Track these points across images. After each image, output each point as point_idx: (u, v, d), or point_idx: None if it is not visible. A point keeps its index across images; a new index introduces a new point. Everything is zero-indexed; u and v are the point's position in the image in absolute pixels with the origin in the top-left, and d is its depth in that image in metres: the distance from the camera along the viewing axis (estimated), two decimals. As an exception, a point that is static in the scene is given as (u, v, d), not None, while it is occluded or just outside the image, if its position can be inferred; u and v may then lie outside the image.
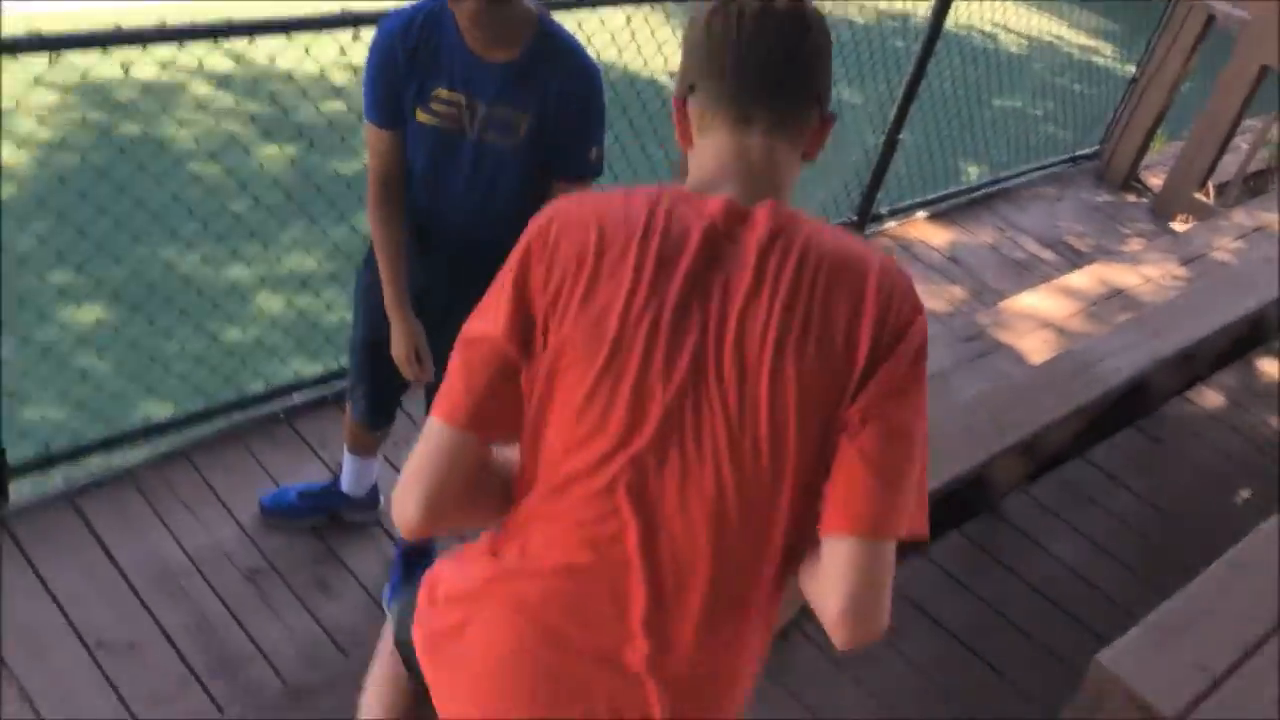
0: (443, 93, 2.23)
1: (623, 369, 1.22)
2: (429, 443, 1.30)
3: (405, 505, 1.29)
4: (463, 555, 1.42)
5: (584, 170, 2.33)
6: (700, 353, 1.22)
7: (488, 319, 1.29)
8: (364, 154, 2.47)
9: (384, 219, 2.39)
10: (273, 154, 5.29)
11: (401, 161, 2.35)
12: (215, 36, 2.68)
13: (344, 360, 3.16)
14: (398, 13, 2.26)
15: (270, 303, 4.56)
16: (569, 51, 2.24)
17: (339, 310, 4.11)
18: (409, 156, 2.35)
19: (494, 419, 1.29)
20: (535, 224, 1.31)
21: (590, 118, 2.29)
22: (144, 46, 2.63)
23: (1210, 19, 5.67)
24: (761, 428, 1.20)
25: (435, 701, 1.39)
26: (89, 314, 4.36)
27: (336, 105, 4.56)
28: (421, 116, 2.27)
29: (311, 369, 3.65)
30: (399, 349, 2.44)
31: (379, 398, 2.77)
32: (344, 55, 3.09)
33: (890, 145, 4.58)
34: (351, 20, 2.80)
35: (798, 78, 1.31)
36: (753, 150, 1.30)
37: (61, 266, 4.03)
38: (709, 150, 1.32)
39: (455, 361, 1.31)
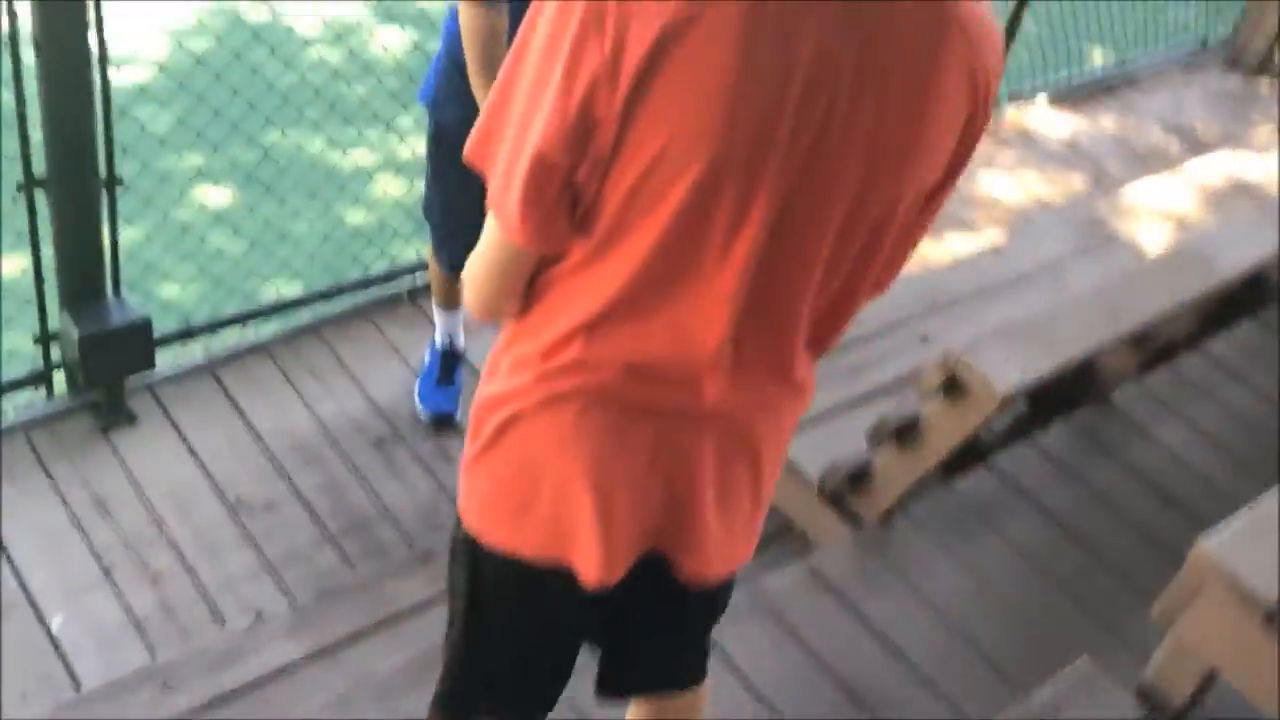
0: None
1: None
2: (490, 252, 1.26)
3: (471, 304, 1.33)
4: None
5: None
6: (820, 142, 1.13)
7: (536, 114, 1.12)
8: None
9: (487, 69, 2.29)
10: (393, 38, 5.38)
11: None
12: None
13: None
14: None
15: (393, 186, 4.68)
16: None
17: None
18: None
19: (555, 238, 1.20)
20: None
21: None
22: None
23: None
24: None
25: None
26: (223, 194, 4.54)
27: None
28: None
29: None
30: None
31: (466, 246, 2.81)
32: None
33: (1012, 27, 4.47)
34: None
35: None
36: None
37: (198, 148, 4.19)
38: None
39: (509, 160, 1.16)
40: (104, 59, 2.59)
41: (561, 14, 1.08)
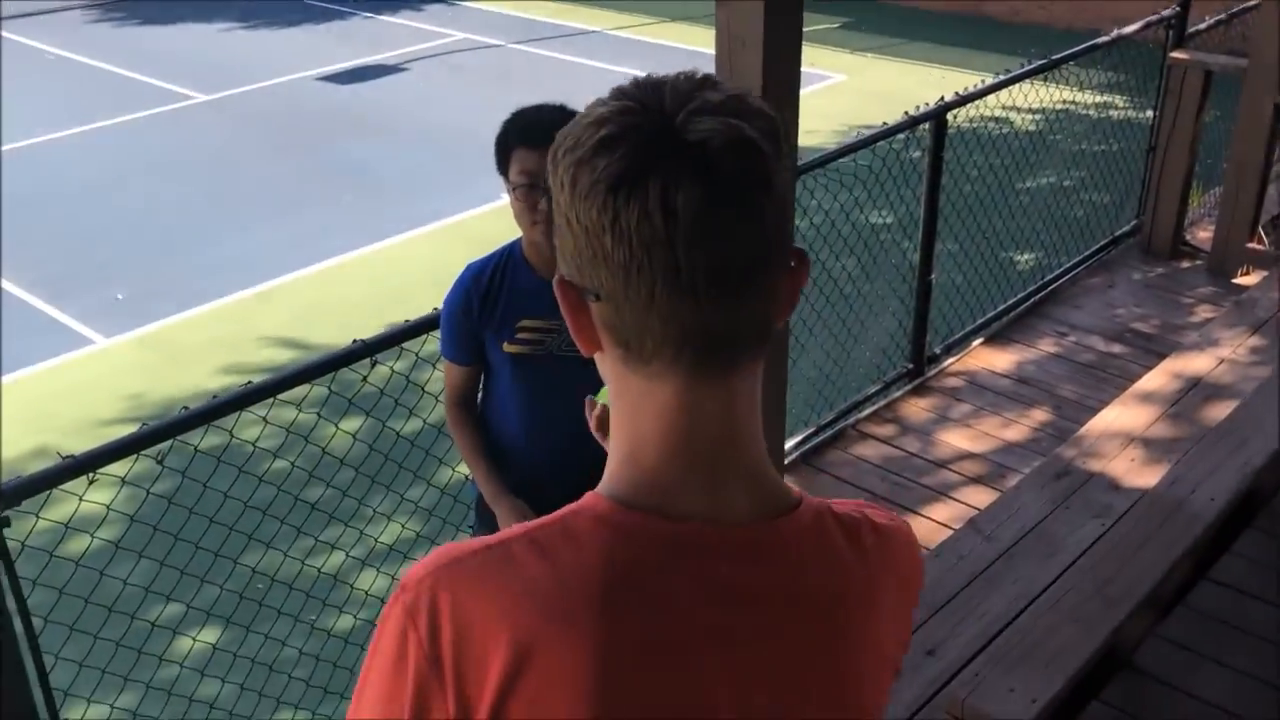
0: (528, 322, 2.51)
1: None
2: None
3: None
4: None
5: None
6: None
7: None
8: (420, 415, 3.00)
9: (463, 424, 2.67)
10: (352, 425, 5.44)
11: (475, 387, 2.68)
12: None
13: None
14: (471, 264, 2.59)
15: (373, 581, 4.63)
16: None
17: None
18: (493, 386, 2.64)
19: None
20: (414, 633, 0.94)
21: None
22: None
23: (1209, 74, 5.67)
24: None
25: None
26: (203, 641, 4.46)
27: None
28: (510, 348, 2.54)
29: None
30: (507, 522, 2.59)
31: None
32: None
33: (925, 289, 4.60)
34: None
35: (767, 270, 0.93)
36: (717, 406, 0.95)
37: (165, 601, 4.13)
38: (647, 409, 0.96)
39: None
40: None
41: (396, 665, 0.94)
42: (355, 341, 3.02)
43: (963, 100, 4.60)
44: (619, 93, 0.93)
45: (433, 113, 10.78)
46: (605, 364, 0.99)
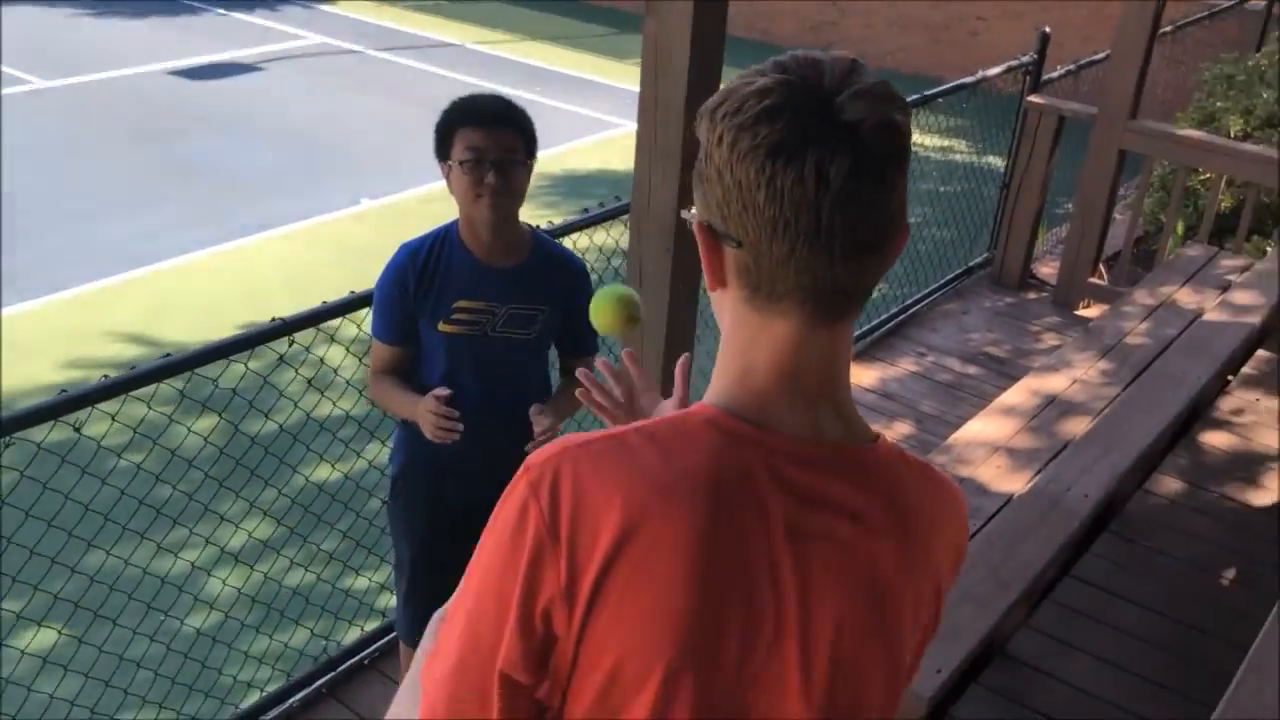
0: (465, 303, 2.54)
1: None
2: None
3: None
4: None
5: (589, 347, 2.74)
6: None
7: (485, 631, 1.05)
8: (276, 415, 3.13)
9: (382, 385, 2.68)
10: (205, 424, 5.25)
11: (400, 368, 2.68)
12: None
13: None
14: (407, 243, 2.61)
15: (232, 577, 4.48)
16: (563, 253, 2.74)
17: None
18: (426, 367, 2.66)
19: None
20: (535, 504, 1.03)
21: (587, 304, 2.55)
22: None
23: (1062, 119, 6.01)
24: None
25: None
26: (47, 636, 4.24)
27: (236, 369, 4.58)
28: (445, 327, 2.57)
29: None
30: (426, 419, 2.53)
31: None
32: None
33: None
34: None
35: (890, 236, 1.06)
36: (824, 346, 1.07)
37: (15, 593, 3.92)
38: (763, 341, 1.07)
39: (451, 662, 1.07)
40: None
41: (515, 536, 1.03)
42: (275, 320, 2.94)
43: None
44: (780, 66, 1.04)
45: (288, 113, 10.56)
46: (725, 299, 1.10)
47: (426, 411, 2.51)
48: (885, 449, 1.13)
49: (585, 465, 1.03)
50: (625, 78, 11.62)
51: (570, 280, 2.68)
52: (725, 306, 1.11)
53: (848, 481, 1.08)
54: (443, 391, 2.50)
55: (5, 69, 11.05)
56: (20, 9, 13.35)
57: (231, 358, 3.01)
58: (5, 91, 10.52)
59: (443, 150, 2.51)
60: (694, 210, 1.09)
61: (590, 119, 10.80)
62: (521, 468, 1.06)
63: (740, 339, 1.09)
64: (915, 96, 5.34)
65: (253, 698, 3.66)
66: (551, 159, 9.27)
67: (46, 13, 13.38)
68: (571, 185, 8.98)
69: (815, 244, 1.01)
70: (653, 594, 1.01)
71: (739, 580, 1.03)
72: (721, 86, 1.08)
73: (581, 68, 12.66)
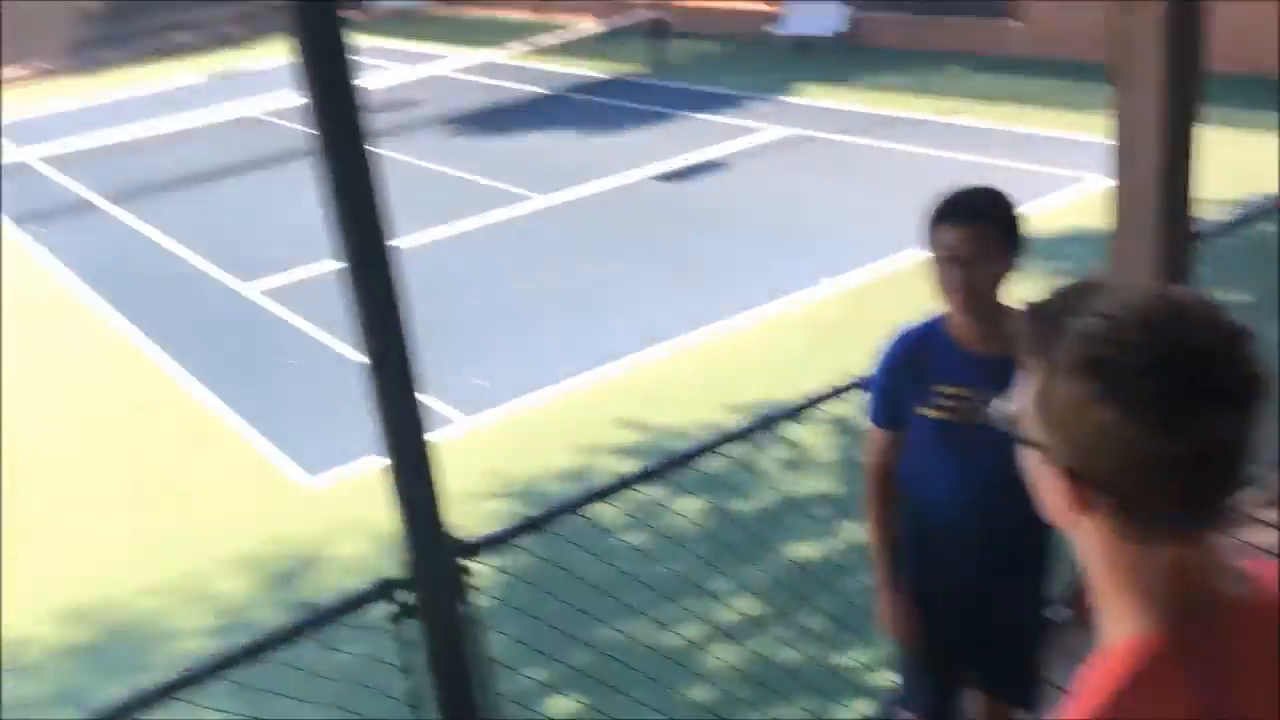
0: (947, 389, 2.61)
1: None
2: None
3: None
4: None
5: None
6: None
7: None
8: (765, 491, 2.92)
9: (880, 510, 2.82)
10: (690, 505, 5.60)
11: (895, 461, 2.76)
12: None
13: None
14: (907, 328, 2.73)
15: (726, 653, 4.70)
16: None
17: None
18: (911, 452, 2.74)
19: None
20: None
21: None
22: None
23: None
24: None
25: None
26: (570, 704, 4.65)
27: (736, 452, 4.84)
28: (928, 412, 2.64)
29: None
30: (885, 615, 2.84)
31: (936, 703, 3.08)
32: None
33: None
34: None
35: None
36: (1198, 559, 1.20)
37: (539, 662, 4.35)
38: (1154, 566, 1.19)
39: None
40: None
41: None
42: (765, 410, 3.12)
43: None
44: (1150, 324, 1.13)
45: (755, 204, 11.07)
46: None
47: (889, 613, 2.81)
48: None
49: None
50: (1091, 130, 11.15)
51: None
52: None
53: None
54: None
55: (509, 188, 12.45)
56: (513, 138, 15.00)
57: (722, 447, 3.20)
58: (512, 209, 11.85)
59: (927, 242, 2.61)
60: None
61: (1054, 176, 10.44)
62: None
63: None
64: None
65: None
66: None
67: (543, 136, 14.93)
68: (1040, 247, 8.68)
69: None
70: None
71: None
72: None
73: (1046, 125, 12.28)
